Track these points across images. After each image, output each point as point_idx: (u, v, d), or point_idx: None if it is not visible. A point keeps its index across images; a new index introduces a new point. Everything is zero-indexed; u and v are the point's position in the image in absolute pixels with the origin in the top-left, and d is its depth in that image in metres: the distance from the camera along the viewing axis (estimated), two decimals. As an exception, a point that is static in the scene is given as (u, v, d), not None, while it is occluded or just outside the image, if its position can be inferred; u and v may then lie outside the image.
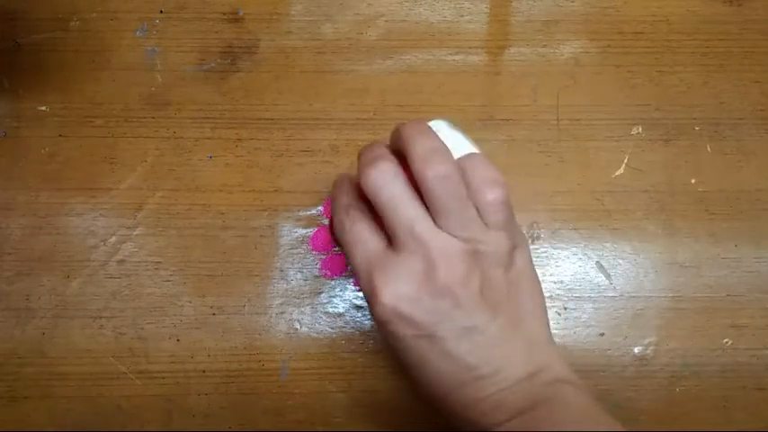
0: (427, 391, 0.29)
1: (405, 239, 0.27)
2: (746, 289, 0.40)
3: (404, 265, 0.27)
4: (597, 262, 0.40)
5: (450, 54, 0.42)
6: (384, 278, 0.27)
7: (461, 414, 0.28)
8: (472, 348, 0.27)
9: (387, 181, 0.28)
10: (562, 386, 0.28)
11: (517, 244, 0.30)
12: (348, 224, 0.29)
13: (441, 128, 0.30)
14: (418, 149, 0.28)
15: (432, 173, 0.27)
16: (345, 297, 0.39)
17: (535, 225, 0.40)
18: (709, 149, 0.41)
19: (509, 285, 0.29)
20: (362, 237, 0.29)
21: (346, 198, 0.30)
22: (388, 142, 0.31)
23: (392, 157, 0.28)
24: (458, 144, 0.29)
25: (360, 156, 0.29)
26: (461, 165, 0.28)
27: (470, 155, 0.29)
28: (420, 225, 0.27)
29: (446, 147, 0.29)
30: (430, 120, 0.31)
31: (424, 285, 0.27)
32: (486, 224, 0.28)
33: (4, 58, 0.41)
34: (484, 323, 0.27)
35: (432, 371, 0.28)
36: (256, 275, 0.39)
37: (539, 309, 0.30)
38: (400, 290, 0.27)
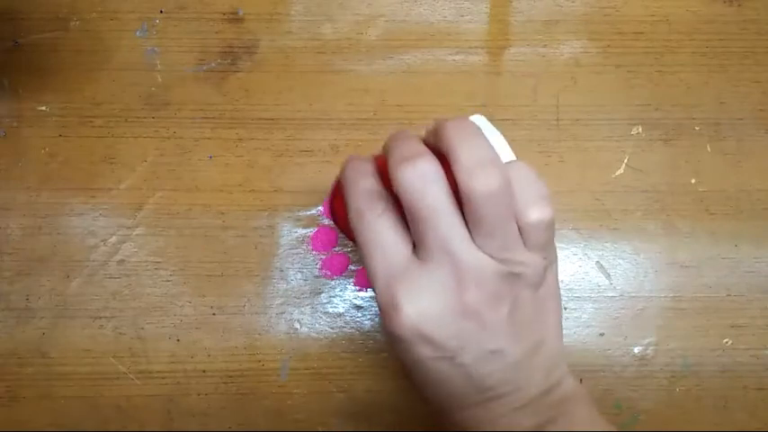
0: (438, 406, 0.28)
1: (436, 252, 0.25)
2: (746, 289, 0.40)
3: (431, 279, 0.25)
4: (597, 262, 0.40)
5: (451, 54, 0.42)
6: (407, 291, 0.25)
7: (471, 429, 0.28)
8: (493, 371, 0.26)
9: (426, 185, 0.24)
10: (570, 404, 0.28)
11: (551, 261, 0.28)
12: (370, 216, 0.26)
13: (480, 125, 0.26)
14: (467, 156, 0.24)
15: (482, 188, 0.24)
16: (345, 297, 0.39)
17: (535, 225, 0.40)
18: (709, 149, 0.41)
19: (537, 306, 0.27)
20: (385, 238, 0.26)
21: (366, 181, 0.26)
22: (418, 134, 0.28)
23: (432, 156, 0.25)
24: (498, 145, 0.26)
25: (391, 147, 0.26)
26: (508, 174, 0.25)
27: (516, 164, 0.26)
28: (457, 241, 0.24)
29: (497, 155, 0.25)
30: (470, 115, 0.28)
31: (450, 305, 0.25)
32: (526, 242, 0.26)
33: (4, 58, 0.41)
34: (508, 347, 0.26)
35: (446, 390, 0.26)
36: (256, 275, 0.39)
37: (558, 324, 0.29)
38: (424, 307, 0.25)
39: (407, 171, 0.24)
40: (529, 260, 0.26)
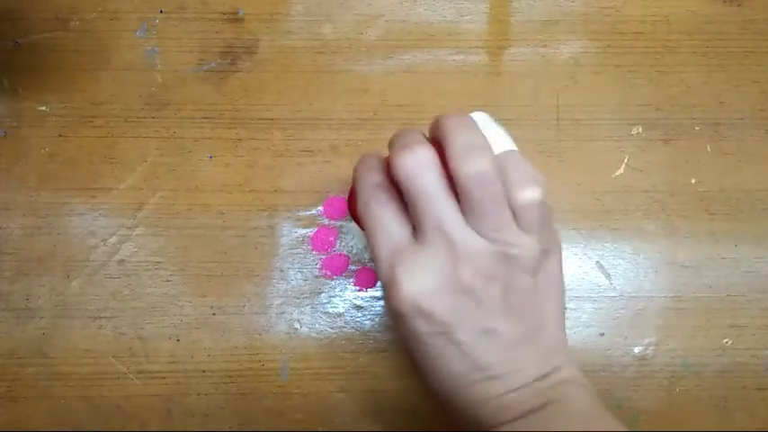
0: (435, 386, 0.28)
1: (432, 234, 0.26)
2: (746, 289, 0.40)
3: (428, 259, 0.26)
4: (597, 262, 0.40)
5: (451, 54, 0.42)
6: (406, 270, 0.26)
7: (467, 411, 0.28)
8: (488, 350, 0.27)
9: (421, 170, 0.26)
10: (569, 388, 0.28)
11: (549, 247, 0.28)
12: (374, 206, 0.28)
13: (481, 121, 0.29)
14: (457, 143, 0.26)
15: (469, 171, 0.26)
16: (345, 297, 0.39)
17: (535, 225, 0.40)
18: (709, 149, 0.41)
19: (534, 291, 0.28)
20: (388, 223, 0.28)
21: (374, 177, 0.29)
22: (421, 129, 0.30)
23: (429, 145, 0.27)
24: (497, 139, 0.28)
25: (393, 139, 0.28)
26: (499, 161, 0.27)
27: (509, 151, 0.28)
28: (450, 222, 0.26)
29: (487, 143, 0.27)
30: (471, 111, 0.29)
31: (445, 281, 0.26)
32: (519, 225, 0.27)
33: (4, 58, 0.41)
34: (503, 327, 0.27)
35: (443, 367, 0.27)
36: (256, 275, 0.39)
37: (559, 313, 0.29)
38: (422, 284, 0.26)
39: (404, 158, 0.26)
40: (521, 242, 0.27)
